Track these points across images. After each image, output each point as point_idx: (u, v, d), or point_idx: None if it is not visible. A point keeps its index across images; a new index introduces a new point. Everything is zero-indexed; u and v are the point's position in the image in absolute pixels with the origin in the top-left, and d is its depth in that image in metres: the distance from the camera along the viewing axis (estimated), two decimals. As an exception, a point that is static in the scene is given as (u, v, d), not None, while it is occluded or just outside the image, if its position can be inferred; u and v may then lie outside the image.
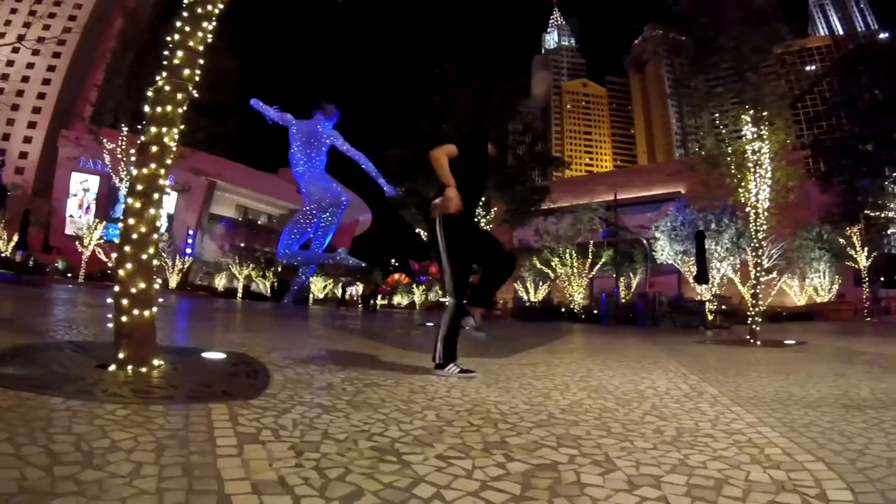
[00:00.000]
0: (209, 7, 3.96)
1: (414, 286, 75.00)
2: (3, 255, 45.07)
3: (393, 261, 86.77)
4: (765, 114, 10.81)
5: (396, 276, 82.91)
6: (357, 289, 61.80)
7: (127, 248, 3.53)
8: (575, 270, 35.47)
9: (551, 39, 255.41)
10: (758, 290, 11.06)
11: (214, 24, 4.04)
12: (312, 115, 33.79)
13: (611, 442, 2.45)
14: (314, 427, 2.43)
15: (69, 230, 59.32)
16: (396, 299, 77.27)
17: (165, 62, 3.84)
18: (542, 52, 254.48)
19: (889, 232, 24.94)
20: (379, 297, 53.27)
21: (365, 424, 2.54)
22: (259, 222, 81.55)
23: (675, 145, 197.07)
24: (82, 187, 70.09)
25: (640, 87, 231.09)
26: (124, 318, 3.44)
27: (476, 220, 4.39)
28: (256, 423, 2.42)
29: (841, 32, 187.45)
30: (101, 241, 43.18)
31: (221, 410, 2.58)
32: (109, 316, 3.53)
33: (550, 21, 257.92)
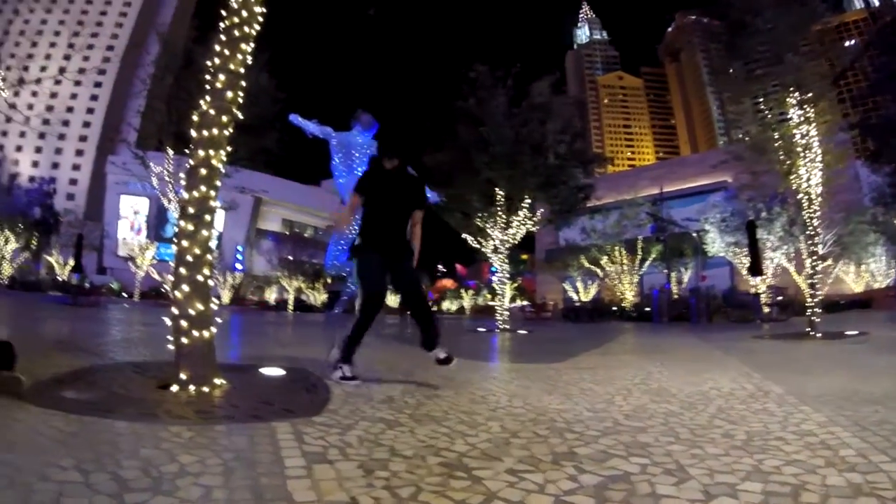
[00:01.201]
0: (246, 29, 4.00)
1: (462, 291, 74.92)
2: (59, 278, 46.73)
3: (440, 266, 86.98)
4: (809, 95, 10.48)
5: (444, 281, 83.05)
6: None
7: (182, 271, 3.59)
8: (624, 267, 34.97)
9: (582, 34, 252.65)
10: (815, 280, 10.69)
11: (252, 45, 4.08)
12: (351, 126, 34.17)
13: (681, 449, 2.38)
14: (380, 443, 2.41)
15: (122, 252, 61.10)
16: (445, 305, 77.24)
17: (208, 86, 3.89)
18: (575, 47, 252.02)
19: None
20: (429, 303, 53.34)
21: (430, 439, 2.52)
22: (305, 235, 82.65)
23: (717, 133, 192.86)
24: (132, 210, 72.33)
25: (677, 76, 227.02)
26: (184, 339, 3.50)
27: (393, 246, 4.42)
28: (322, 441, 2.41)
29: (877, 3, 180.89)
30: (154, 260, 44.36)
31: (286, 429, 2.58)
32: (167, 335, 3.58)
33: (580, 16, 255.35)
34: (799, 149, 10.52)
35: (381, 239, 4.39)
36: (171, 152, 15.45)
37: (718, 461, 2.19)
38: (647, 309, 26.93)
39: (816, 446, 2.41)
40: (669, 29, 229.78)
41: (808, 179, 10.51)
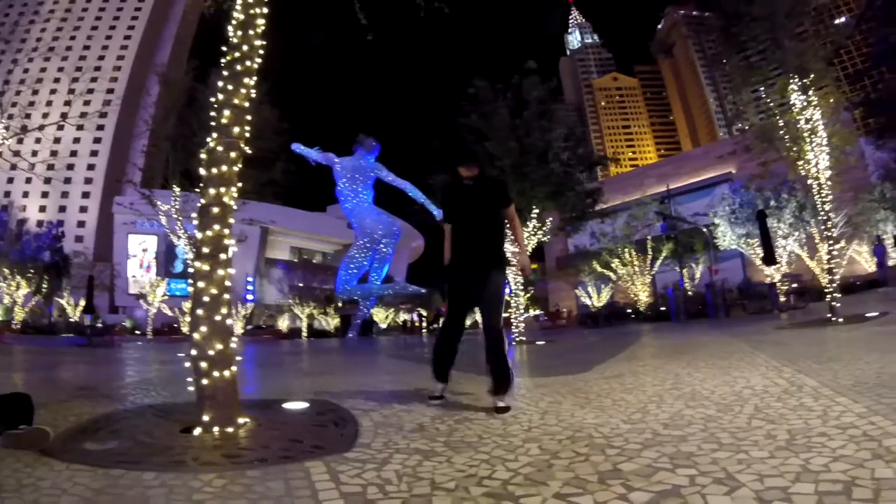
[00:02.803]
0: (247, 63, 4.00)
1: (476, 305, 74.75)
2: (71, 320, 46.96)
3: None
4: (811, 77, 10.42)
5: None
6: (415, 315, 61.93)
7: (200, 311, 3.55)
8: (636, 269, 34.81)
9: (574, 39, 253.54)
10: (832, 265, 10.57)
11: (255, 79, 4.07)
12: (354, 151, 34.40)
13: (725, 455, 2.33)
14: (419, 477, 2.35)
15: (133, 290, 61.45)
16: (458, 318, 77.06)
17: (214, 123, 3.88)
18: (567, 53, 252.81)
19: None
20: (441, 319, 53.20)
21: (470, 467, 2.45)
22: (314, 261, 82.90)
23: (717, 125, 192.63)
24: (141, 248, 72.81)
25: (672, 72, 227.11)
26: (205, 381, 3.45)
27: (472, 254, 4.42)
28: (359, 479, 2.35)
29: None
30: (165, 296, 44.55)
31: (320, 469, 2.52)
32: (185, 374, 3.55)
33: (570, 21, 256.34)
34: (805, 134, 10.45)
35: (469, 254, 4.43)
36: (177, 189, 15.55)
37: (766, 464, 2.15)
38: (663, 308, 26.81)
39: (860, 439, 2.37)
40: (660, 25, 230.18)
41: (817, 164, 10.43)
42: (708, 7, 12.42)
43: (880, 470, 1.94)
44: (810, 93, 10.46)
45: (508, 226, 4.67)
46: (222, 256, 3.67)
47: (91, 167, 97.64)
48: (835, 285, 10.42)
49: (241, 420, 3.52)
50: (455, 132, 15.08)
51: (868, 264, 33.89)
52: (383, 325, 60.56)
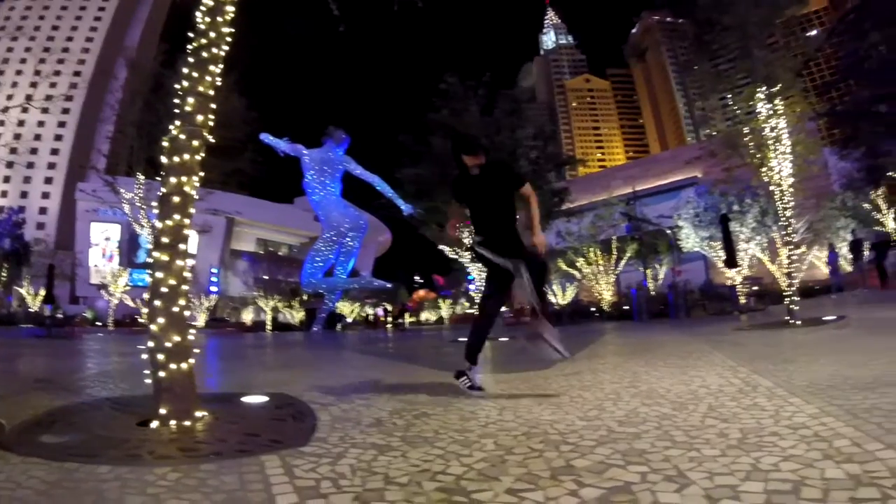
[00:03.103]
0: (214, 50, 3.93)
1: (440, 301, 74.75)
2: (31, 310, 45.83)
3: (417, 278, 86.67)
4: (777, 87, 10.62)
5: (422, 292, 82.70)
6: (381, 310, 61.81)
7: (157, 302, 3.49)
8: (601, 268, 35.14)
9: (548, 39, 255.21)
10: (791, 269, 10.81)
11: (221, 66, 4.01)
12: (323, 142, 34.07)
13: (678, 453, 2.36)
14: (374, 471, 2.34)
15: (94, 280, 60.16)
16: (424, 316, 76.99)
17: (177, 110, 3.81)
18: (541, 53, 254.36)
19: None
20: (407, 315, 53.26)
21: (425, 462, 2.45)
22: (280, 253, 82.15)
23: (685, 130, 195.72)
24: (103, 237, 71.35)
25: (644, 76, 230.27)
26: (162, 373, 3.39)
27: (495, 238, 4.57)
28: (313, 473, 2.34)
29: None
30: (127, 287, 43.72)
31: (275, 462, 2.50)
32: (144, 367, 3.50)
33: (545, 21, 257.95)
34: (769, 142, 10.65)
35: (490, 238, 4.59)
36: (141, 177, 15.25)
37: (717, 462, 2.18)
38: (626, 308, 27.12)
39: (811, 439, 2.41)
40: (634, 30, 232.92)
41: (780, 171, 10.64)
42: (681, 14, 12.58)
43: (830, 470, 1.98)
44: (777, 102, 10.66)
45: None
46: (181, 247, 3.60)
47: (55, 152, 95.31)
48: (794, 289, 10.63)
49: (198, 413, 3.46)
50: (426, 128, 15.08)
51: (828, 269, 34.77)
52: (349, 320, 60.36)
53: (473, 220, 4.68)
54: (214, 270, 63.88)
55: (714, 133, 12.47)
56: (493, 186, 4.60)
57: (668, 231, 30.77)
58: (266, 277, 59.51)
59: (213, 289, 59.51)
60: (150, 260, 3.65)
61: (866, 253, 22.42)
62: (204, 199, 13.97)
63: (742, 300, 21.05)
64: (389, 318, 40.20)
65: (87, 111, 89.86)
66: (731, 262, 18.18)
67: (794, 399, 3.33)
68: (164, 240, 3.57)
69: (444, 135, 14.57)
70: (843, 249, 33.40)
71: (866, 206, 27.62)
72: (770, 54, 10.85)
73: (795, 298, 10.54)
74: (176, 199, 3.64)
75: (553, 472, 2.20)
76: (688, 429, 2.80)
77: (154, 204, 3.77)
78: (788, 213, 10.77)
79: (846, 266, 25.23)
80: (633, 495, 1.89)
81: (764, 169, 10.77)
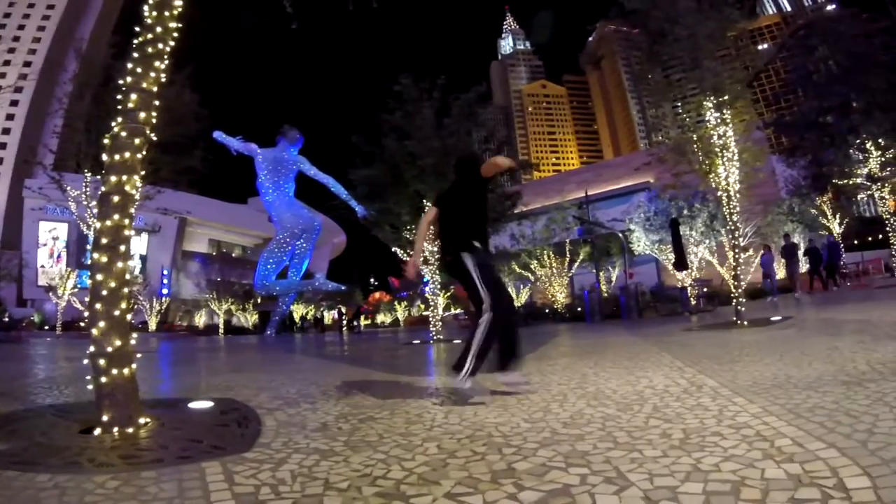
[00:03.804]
0: (160, 45, 3.84)
1: (396, 303, 74.43)
2: (-24, 314, 44.10)
3: (372, 280, 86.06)
4: (725, 98, 10.88)
5: (377, 294, 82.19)
6: (336, 312, 61.23)
7: (98, 306, 3.40)
8: (554, 270, 35.39)
9: (506, 45, 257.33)
10: (738, 272, 11.08)
11: (167, 62, 3.92)
12: (277, 142, 33.57)
13: (619, 454, 2.39)
14: (314, 477, 2.32)
15: (42, 281, 58.09)
16: (380, 318, 76.59)
17: (120, 106, 3.72)
18: (499, 57, 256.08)
19: (858, 197, 25.40)
20: (362, 317, 52.89)
21: (366, 467, 2.44)
22: (233, 255, 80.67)
23: (639, 136, 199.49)
24: (51, 236, 68.72)
25: (599, 83, 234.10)
26: (104, 379, 3.31)
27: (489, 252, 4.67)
28: (253, 479, 2.32)
29: (789, 9, 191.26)
30: (76, 289, 42.38)
31: (215, 469, 2.47)
32: (89, 374, 3.40)
33: (504, 26, 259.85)
34: (717, 149, 10.91)
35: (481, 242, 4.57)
36: (89, 175, 14.81)
37: (657, 464, 2.21)
38: (580, 309, 27.31)
39: (753, 438, 2.45)
40: (591, 38, 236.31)
41: (727, 177, 10.89)
42: (636, 24, 12.77)
43: (770, 470, 2.00)
44: (725, 111, 10.92)
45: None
46: (122, 248, 3.51)
47: (2, 146, 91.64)
48: (741, 290, 10.92)
49: (142, 420, 3.39)
50: (378, 128, 14.99)
51: (776, 271, 35.72)
52: (306, 323, 59.63)
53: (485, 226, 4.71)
54: (165, 272, 62.31)
55: (666, 140, 12.70)
56: (465, 186, 4.72)
57: (620, 234, 31.23)
58: (219, 279, 58.35)
59: (165, 291, 58.05)
60: (89, 262, 3.54)
61: (801, 257, 23.09)
62: (154, 197, 13.64)
63: (692, 301, 21.46)
64: (344, 321, 39.91)
65: (36, 104, 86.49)
66: (681, 264, 18.58)
67: (738, 399, 3.39)
68: (104, 241, 3.47)
69: (397, 137, 14.52)
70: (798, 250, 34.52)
71: (813, 211, 28.48)
72: (720, 66, 11.09)
73: (742, 300, 10.81)
74: (116, 198, 3.54)
75: (494, 476, 2.20)
76: (631, 430, 2.83)
77: (98, 203, 3.66)
78: (735, 218, 11.04)
79: (780, 269, 25.87)
80: (572, 498, 1.90)
81: (712, 175, 11.02)
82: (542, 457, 2.43)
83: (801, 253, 23.60)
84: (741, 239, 11.49)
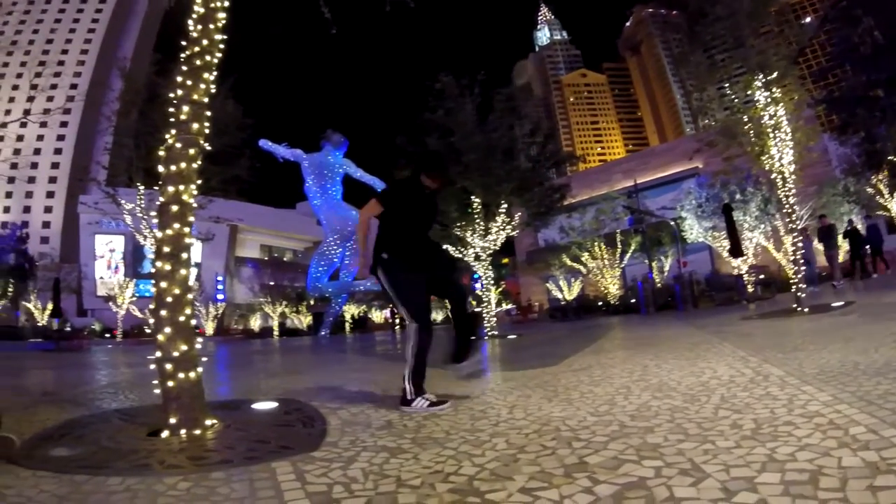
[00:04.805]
0: (207, 58, 3.92)
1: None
2: (39, 324, 45.87)
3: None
4: (774, 75, 10.56)
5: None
6: (388, 311, 61.60)
7: (163, 312, 3.48)
8: (606, 262, 35.05)
9: (543, 36, 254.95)
10: (798, 256, 10.74)
11: (215, 73, 4.00)
12: (321, 147, 34.07)
13: (692, 446, 2.34)
14: (385, 474, 2.33)
15: (101, 292, 60.21)
16: (431, 315, 76.94)
17: (172, 118, 3.80)
18: (536, 49, 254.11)
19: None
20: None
21: (436, 464, 2.43)
22: (284, 259, 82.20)
23: (684, 121, 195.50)
24: (108, 248, 71.32)
25: (639, 69, 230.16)
26: (170, 383, 3.39)
27: (428, 255, 4.39)
28: (325, 478, 2.32)
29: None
30: (134, 297, 43.74)
31: (286, 469, 2.48)
32: (152, 376, 3.49)
33: (539, 18, 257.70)
34: (769, 130, 10.60)
35: (421, 255, 4.30)
36: (141, 188, 15.25)
37: (731, 454, 2.16)
38: (633, 301, 26.96)
39: (826, 427, 2.38)
40: (627, 23, 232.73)
41: (781, 159, 10.58)
42: (673, 6, 12.52)
43: (847, 459, 1.95)
44: (774, 90, 10.61)
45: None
46: (183, 255, 3.59)
47: (55, 165, 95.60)
48: (800, 276, 10.59)
49: (207, 422, 3.46)
50: (422, 128, 15.02)
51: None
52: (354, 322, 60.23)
53: (403, 229, 4.35)
54: (220, 278, 63.85)
55: (713, 123, 12.41)
56: (432, 204, 4.58)
57: (672, 223, 30.64)
58: (272, 283, 59.58)
59: (220, 297, 59.52)
60: (152, 270, 3.63)
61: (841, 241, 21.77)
62: (205, 206, 13.98)
63: (749, 289, 20.93)
64: (397, 320, 40.16)
65: (85, 123, 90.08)
66: (736, 251, 18.08)
67: (807, 387, 3.29)
68: (166, 249, 3.56)
69: (440, 135, 14.53)
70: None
71: (869, 190, 27.44)
72: (764, 43, 10.79)
73: (802, 286, 10.49)
74: (174, 208, 3.62)
75: (566, 470, 2.18)
76: (700, 421, 2.77)
77: (155, 214, 3.75)
78: (791, 200, 10.71)
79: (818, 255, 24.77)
80: (649, 490, 1.86)
81: (764, 157, 10.71)
82: (614, 450, 2.39)
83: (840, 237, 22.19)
84: (798, 222, 11.12)
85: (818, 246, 20.14)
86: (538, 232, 25.78)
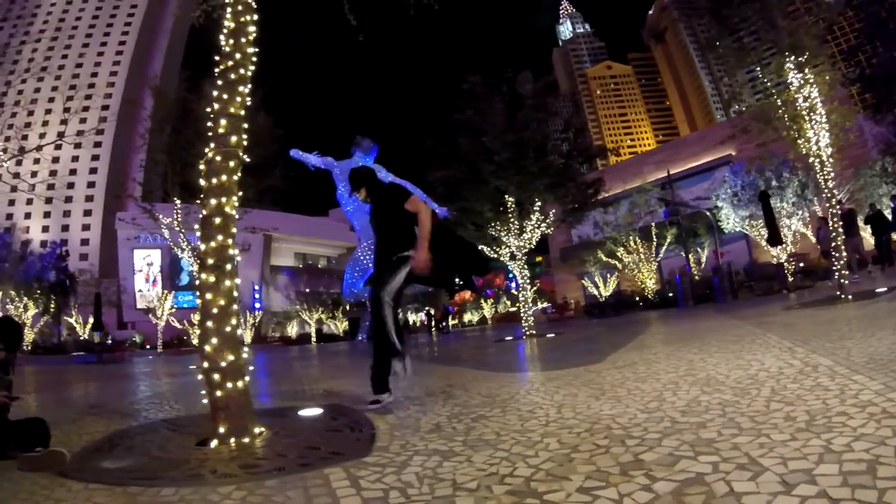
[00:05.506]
0: (241, 71, 3.98)
1: (482, 301, 74.49)
2: (81, 338, 47.03)
3: (457, 279, 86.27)
4: (806, 56, 10.31)
5: (463, 293, 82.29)
6: (423, 314, 61.78)
7: (209, 324, 3.53)
8: (641, 256, 34.62)
9: (566, 30, 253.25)
10: (839, 241, 10.44)
11: (249, 86, 4.05)
12: (351, 153, 34.33)
13: (746, 440, 2.31)
14: (440, 478, 2.32)
15: (140, 304, 61.60)
16: (467, 317, 76.70)
17: (210, 132, 3.86)
18: (560, 44, 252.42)
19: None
20: (449, 317, 53.21)
21: (490, 466, 2.42)
22: (319, 266, 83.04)
23: (713, 108, 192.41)
24: (146, 262, 72.95)
25: (665, 57, 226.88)
26: (218, 392, 3.44)
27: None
28: (380, 483, 2.33)
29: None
30: (173, 309, 44.58)
31: (339, 475, 2.49)
32: (196, 385, 3.54)
33: (561, 12, 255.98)
34: (804, 112, 10.36)
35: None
36: (177, 202, 15.54)
37: (787, 447, 2.13)
38: (671, 294, 26.59)
39: (880, 416, 2.34)
40: (650, 11, 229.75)
41: (818, 142, 10.34)
42: None
43: (904, 448, 1.89)
44: (806, 71, 10.36)
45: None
46: (227, 267, 3.65)
47: (91, 184, 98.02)
48: (843, 262, 10.31)
49: (256, 430, 3.51)
50: (451, 128, 15.03)
51: (873, 238, 33.57)
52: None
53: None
54: (256, 287, 64.78)
55: (744, 109, 12.18)
56: (379, 209, 4.93)
57: (707, 213, 30.16)
58: (307, 290, 60.25)
59: (257, 305, 60.37)
60: (197, 282, 3.69)
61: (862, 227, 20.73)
62: (241, 217, 14.15)
63: (789, 278, 20.48)
64: (433, 322, 40.18)
65: (119, 142, 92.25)
66: (775, 239, 17.69)
67: (857, 376, 3.23)
68: (210, 261, 3.62)
69: (471, 135, 14.51)
70: (888, 215, 32.37)
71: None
72: (792, 22, 10.54)
73: (846, 272, 10.23)
74: (217, 220, 3.68)
75: (622, 468, 2.16)
76: (753, 415, 2.73)
77: (194, 227, 3.82)
78: (831, 185, 10.44)
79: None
80: (708, 486, 1.84)
81: (801, 141, 10.48)
82: (668, 447, 2.37)
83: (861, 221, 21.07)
84: (838, 206, 10.84)
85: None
86: (572, 228, 25.53)
